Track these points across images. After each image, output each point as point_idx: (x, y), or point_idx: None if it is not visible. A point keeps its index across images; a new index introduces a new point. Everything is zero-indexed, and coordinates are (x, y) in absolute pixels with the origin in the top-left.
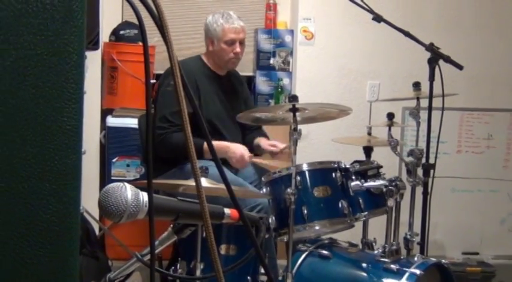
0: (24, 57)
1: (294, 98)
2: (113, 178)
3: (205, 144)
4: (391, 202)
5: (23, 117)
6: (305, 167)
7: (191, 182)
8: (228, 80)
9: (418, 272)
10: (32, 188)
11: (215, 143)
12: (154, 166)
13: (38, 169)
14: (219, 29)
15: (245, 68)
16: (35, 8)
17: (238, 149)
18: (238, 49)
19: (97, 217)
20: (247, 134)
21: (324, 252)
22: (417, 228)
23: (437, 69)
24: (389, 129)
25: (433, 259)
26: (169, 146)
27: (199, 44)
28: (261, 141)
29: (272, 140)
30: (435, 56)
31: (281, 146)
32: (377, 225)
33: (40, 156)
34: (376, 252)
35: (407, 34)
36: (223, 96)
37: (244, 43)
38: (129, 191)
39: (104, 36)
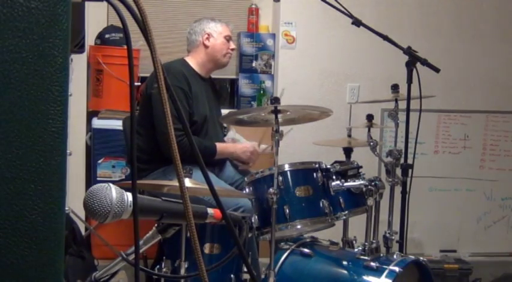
0: (10, 60)
1: (275, 100)
2: (98, 179)
3: (217, 146)
4: (370, 201)
5: (8, 119)
6: (287, 167)
7: (175, 183)
8: (210, 83)
9: (397, 269)
10: (17, 189)
11: (223, 145)
12: (139, 167)
13: (23, 170)
14: (219, 25)
15: (228, 70)
16: (20, 12)
17: (246, 147)
18: (233, 46)
19: (83, 217)
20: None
21: (306, 250)
22: (396, 226)
23: (414, 72)
24: (369, 130)
25: (412, 257)
26: (187, 149)
27: (184, 48)
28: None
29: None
30: (413, 59)
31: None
32: (357, 224)
33: (25, 157)
34: (356, 250)
35: (385, 38)
36: (208, 98)
37: None
38: (113, 192)
39: (90, 39)
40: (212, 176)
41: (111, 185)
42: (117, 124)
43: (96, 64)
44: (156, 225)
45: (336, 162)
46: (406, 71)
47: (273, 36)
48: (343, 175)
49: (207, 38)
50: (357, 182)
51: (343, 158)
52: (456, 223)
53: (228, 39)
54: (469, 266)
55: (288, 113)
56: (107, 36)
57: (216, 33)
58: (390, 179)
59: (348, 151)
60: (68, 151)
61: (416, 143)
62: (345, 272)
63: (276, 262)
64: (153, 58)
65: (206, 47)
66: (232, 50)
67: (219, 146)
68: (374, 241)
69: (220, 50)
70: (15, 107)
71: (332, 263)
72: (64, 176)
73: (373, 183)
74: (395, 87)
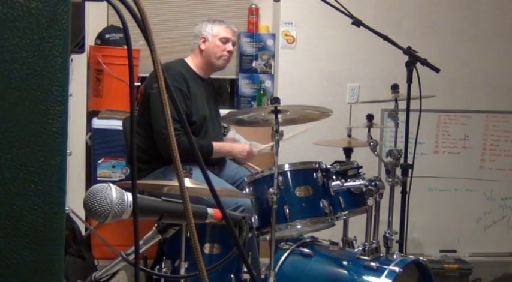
0: (10, 60)
1: (275, 100)
2: (98, 179)
3: (214, 144)
4: (370, 201)
5: (8, 119)
6: (287, 168)
7: (175, 183)
8: (209, 83)
9: (397, 269)
10: (17, 189)
11: (220, 144)
12: (139, 167)
13: (24, 170)
14: (216, 27)
15: (228, 70)
16: (20, 12)
17: (243, 147)
18: (231, 48)
19: (83, 217)
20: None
21: (306, 250)
22: (396, 226)
23: (414, 72)
24: (369, 130)
25: (412, 257)
26: (185, 147)
27: (183, 48)
28: None
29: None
30: (413, 59)
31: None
32: (357, 224)
33: (25, 157)
34: (356, 250)
35: (385, 38)
36: (207, 98)
37: (234, 47)
38: (113, 192)
39: (90, 39)
40: (212, 176)
41: (111, 185)
42: (117, 124)
43: (96, 64)
44: (156, 225)
45: (336, 162)
46: (406, 71)
47: (273, 36)
48: (343, 175)
49: (203, 42)
50: (357, 182)
51: (343, 158)
52: (456, 223)
53: (224, 41)
54: (469, 266)
55: (288, 113)
56: (107, 36)
57: (211, 36)
58: (390, 179)
59: (348, 151)
60: (68, 151)
61: (416, 143)
62: (345, 272)
63: (276, 262)
64: (153, 58)
65: (201, 50)
66: (229, 52)
67: (216, 144)
68: (374, 241)
69: (214, 53)
70: (15, 107)
71: (332, 263)
72: (64, 176)
73: (373, 183)
74: (395, 87)
